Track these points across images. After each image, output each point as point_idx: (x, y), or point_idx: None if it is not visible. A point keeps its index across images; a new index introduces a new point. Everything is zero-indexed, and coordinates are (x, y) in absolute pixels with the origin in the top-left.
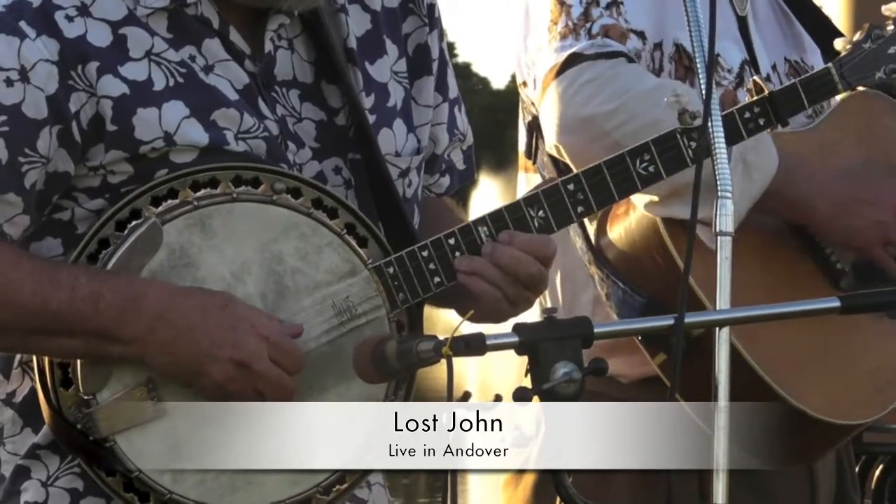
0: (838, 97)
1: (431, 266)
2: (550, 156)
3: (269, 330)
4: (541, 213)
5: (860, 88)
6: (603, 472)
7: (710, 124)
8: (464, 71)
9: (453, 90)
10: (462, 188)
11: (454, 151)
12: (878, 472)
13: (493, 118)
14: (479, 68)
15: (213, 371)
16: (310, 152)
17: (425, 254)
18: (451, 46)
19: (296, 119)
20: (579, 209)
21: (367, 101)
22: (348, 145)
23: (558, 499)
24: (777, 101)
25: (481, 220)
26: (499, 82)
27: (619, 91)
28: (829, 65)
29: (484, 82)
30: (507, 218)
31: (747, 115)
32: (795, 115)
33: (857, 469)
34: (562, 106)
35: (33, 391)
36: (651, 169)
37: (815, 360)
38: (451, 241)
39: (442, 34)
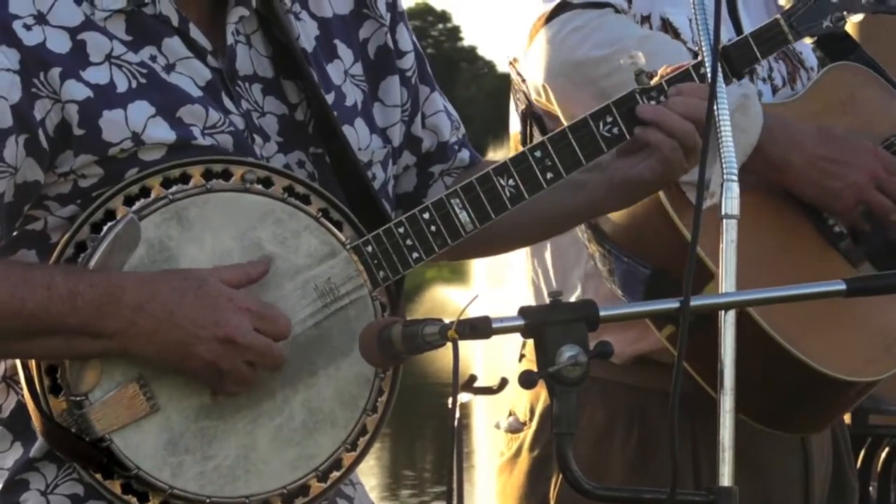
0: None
1: (409, 242)
2: None
3: (248, 302)
4: (511, 181)
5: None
6: (600, 452)
7: (715, 109)
8: (469, 54)
9: (434, 81)
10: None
11: (455, 137)
12: (883, 455)
13: (499, 100)
14: (484, 52)
15: (200, 352)
16: (275, 145)
17: (401, 230)
18: (456, 30)
19: (259, 113)
20: (548, 175)
21: (328, 98)
22: (308, 140)
23: (554, 482)
24: (731, 54)
25: (453, 193)
26: (505, 65)
27: (611, 39)
28: (778, 15)
29: (489, 66)
30: (479, 189)
31: (703, 70)
32: (749, 67)
33: (862, 451)
34: (551, 49)
35: (20, 405)
36: (615, 131)
37: (826, 321)
38: (426, 216)
39: (408, 28)
